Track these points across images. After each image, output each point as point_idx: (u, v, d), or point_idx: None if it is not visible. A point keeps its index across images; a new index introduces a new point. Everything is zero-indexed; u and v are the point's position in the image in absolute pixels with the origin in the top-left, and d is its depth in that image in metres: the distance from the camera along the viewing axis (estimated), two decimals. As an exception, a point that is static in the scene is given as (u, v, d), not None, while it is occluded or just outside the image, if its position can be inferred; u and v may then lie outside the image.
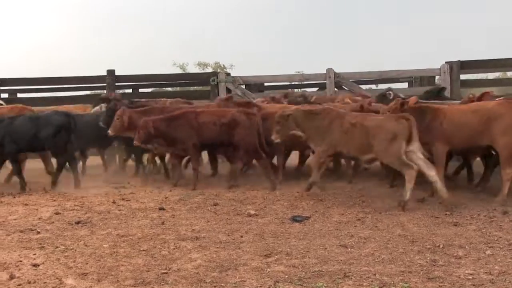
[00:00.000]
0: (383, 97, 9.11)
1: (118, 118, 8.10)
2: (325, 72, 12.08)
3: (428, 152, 6.65)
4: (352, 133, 6.66)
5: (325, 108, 7.23)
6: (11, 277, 4.11)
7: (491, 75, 18.37)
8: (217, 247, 4.82)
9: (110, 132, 8.11)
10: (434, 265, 4.23)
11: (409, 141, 6.36)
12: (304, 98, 9.74)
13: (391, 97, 8.78)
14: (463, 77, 12.22)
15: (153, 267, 4.31)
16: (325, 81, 12.18)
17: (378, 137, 6.45)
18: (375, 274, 4.04)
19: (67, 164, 8.09)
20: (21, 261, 4.48)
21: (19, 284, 4.01)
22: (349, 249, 4.69)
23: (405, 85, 13.34)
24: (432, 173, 6.27)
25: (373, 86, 14.14)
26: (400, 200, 6.32)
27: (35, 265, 4.37)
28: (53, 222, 5.84)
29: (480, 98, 7.71)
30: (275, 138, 7.16)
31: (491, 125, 6.37)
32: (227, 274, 4.12)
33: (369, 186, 7.62)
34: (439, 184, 6.27)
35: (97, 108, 9.96)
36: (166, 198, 7.05)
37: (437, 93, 9.29)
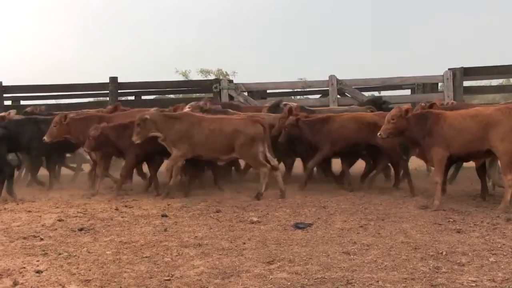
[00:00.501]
0: (276, 107, 9.41)
1: (55, 125, 8.21)
2: (327, 79, 12.08)
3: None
4: (213, 137, 7.44)
5: (185, 113, 7.84)
6: (15, 283, 4.12)
7: (494, 82, 18.35)
8: (220, 254, 4.82)
9: (46, 138, 8.14)
10: (437, 272, 4.21)
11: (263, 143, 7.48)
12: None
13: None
14: (466, 83, 12.18)
15: (156, 274, 4.31)
16: (328, 88, 12.17)
17: (238, 139, 7.37)
18: (378, 281, 4.03)
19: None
20: (24, 268, 4.49)
21: (23, 291, 4.03)
22: (352, 256, 4.68)
23: (408, 92, 13.31)
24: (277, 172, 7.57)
25: (376, 93, 14.09)
26: (257, 192, 7.35)
27: (38, 272, 4.38)
28: (56, 229, 5.85)
29: (431, 106, 7.88)
30: (135, 139, 7.50)
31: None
32: (229, 281, 4.12)
33: (371, 193, 7.62)
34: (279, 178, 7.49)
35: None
36: (168, 205, 7.06)
37: (381, 105, 9.54)
